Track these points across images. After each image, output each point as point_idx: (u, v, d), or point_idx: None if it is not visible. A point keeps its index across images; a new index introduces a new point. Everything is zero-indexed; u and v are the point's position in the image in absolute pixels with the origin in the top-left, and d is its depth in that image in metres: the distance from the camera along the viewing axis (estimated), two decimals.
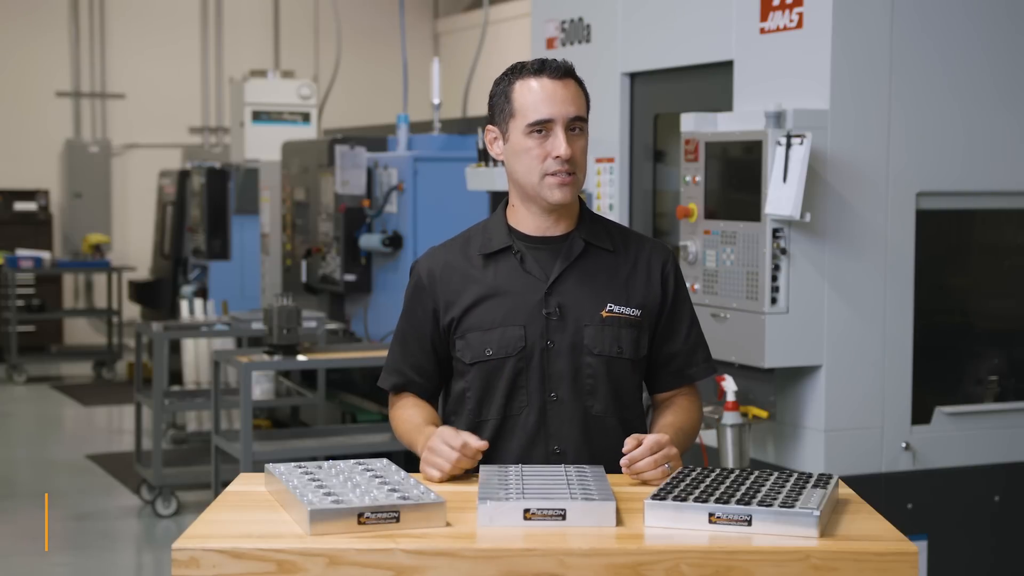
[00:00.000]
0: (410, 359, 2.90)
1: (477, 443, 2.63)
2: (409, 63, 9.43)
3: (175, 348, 9.22)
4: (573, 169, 2.74)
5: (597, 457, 2.74)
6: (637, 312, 2.81)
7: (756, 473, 2.54)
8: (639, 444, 2.60)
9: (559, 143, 2.72)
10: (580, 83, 2.81)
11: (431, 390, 2.94)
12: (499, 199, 7.00)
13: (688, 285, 4.49)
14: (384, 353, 6.58)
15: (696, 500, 2.30)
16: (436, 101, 8.21)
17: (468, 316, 2.82)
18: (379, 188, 7.64)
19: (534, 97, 2.74)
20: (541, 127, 2.73)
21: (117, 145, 14.19)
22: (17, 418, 10.58)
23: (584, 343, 2.77)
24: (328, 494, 2.32)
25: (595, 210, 4.00)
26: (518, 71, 2.79)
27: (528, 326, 2.77)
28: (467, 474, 2.68)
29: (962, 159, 4.61)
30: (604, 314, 2.79)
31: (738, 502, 2.29)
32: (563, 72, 2.77)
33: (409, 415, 2.88)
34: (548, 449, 2.78)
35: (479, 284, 2.82)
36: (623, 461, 2.59)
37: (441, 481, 2.62)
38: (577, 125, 2.76)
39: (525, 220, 2.84)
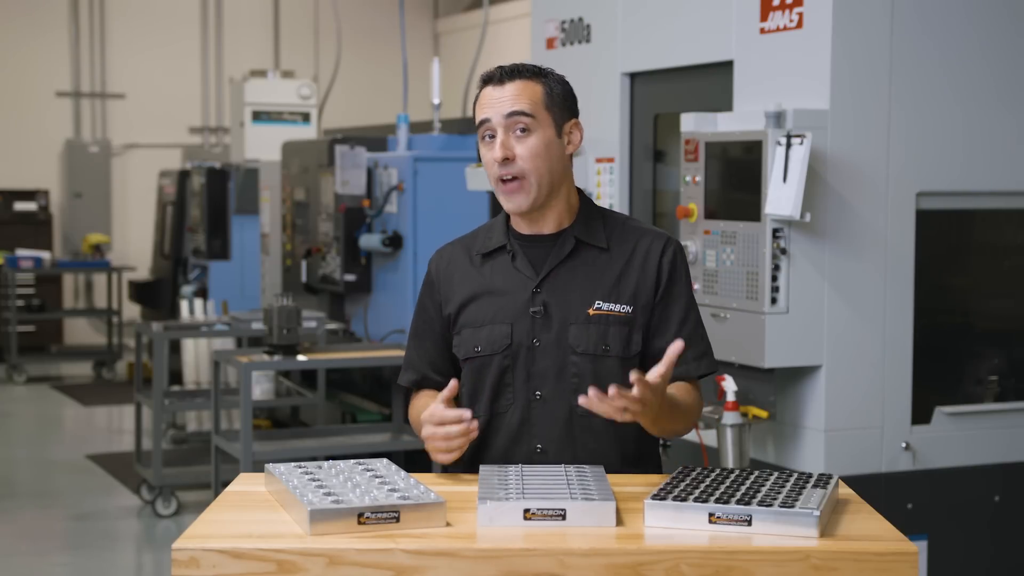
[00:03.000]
0: (425, 356, 2.91)
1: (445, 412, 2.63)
2: (409, 63, 9.43)
3: (175, 348, 9.22)
4: (517, 172, 2.73)
5: (580, 457, 2.73)
6: (628, 308, 2.77)
7: (756, 473, 2.54)
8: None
9: (495, 145, 2.74)
10: (536, 80, 2.77)
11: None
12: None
13: None
14: (383, 353, 6.69)
15: (696, 500, 2.30)
16: (436, 101, 8.21)
17: (463, 313, 2.84)
18: (379, 188, 7.64)
19: (479, 106, 2.79)
20: (488, 132, 2.76)
21: (117, 145, 14.19)
22: (17, 418, 10.58)
23: (568, 342, 2.76)
24: (328, 494, 2.32)
25: None
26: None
27: (515, 324, 2.78)
28: (467, 475, 2.71)
29: (962, 159, 4.61)
30: (591, 312, 2.77)
31: (738, 502, 2.29)
32: (503, 75, 2.76)
33: (421, 406, 2.85)
34: (531, 447, 2.77)
35: (475, 282, 2.84)
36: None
37: (453, 456, 2.65)
38: (522, 123, 2.73)
39: (519, 220, 2.85)
